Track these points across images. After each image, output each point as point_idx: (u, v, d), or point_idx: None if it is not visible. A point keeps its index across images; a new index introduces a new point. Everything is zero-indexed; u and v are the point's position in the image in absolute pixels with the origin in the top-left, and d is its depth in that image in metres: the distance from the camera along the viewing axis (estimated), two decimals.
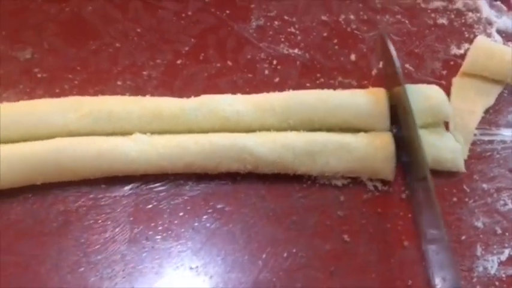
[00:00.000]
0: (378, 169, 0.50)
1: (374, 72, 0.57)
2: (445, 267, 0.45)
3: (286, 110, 0.50)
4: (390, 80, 0.53)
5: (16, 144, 0.47)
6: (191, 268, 0.47)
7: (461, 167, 0.52)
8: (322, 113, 0.51)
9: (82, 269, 0.47)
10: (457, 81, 0.57)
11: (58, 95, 0.52)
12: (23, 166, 0.46)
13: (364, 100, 0.51)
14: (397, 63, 0.51)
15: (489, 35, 0.61)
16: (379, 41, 0.57)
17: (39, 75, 0.54)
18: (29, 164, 0.46)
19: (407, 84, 0.51)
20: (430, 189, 0.46)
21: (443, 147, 0.51)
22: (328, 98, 0.51)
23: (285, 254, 0.48)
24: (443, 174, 0.52)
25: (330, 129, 0.51)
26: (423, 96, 0.52)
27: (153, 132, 0.49)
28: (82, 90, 0.53)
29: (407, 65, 0.58)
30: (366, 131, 0.51)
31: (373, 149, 0.49)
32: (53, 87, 0.54)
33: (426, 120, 0.51)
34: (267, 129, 0.50)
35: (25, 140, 0.48)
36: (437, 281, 0.46)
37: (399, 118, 0.51)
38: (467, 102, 0.55)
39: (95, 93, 0.53)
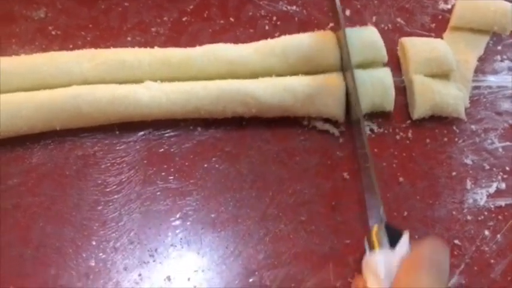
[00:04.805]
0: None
1: (368, 25, 0.58)
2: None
3: (284, 51, 0.51)
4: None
5: (36, 91, 0.48)
6: (202, 205, 0.49)
7: (462, 113, 0.53)
8: (315, 52, 0.52)
9: (101, 207, 0.48)
10: (447, 36, 0.58)
11: (72, 50, 0.53)
12: (43, 112, 0.47)
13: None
14: (339, 8, 0.53)
15: None
16: None
17: (53, 33, 0.55)
18: (48, 109, 0.47)
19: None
20: (362, 127, 0.48)
21: (447, 95, 0.52)
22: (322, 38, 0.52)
23: (290, 191, 0.50)
24: (434, 118, 0.54)
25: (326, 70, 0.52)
26: (429, 47, 0.53)
27: (163, 80, 0.50)
28: (94, 46, 0.53)
29: (398, 19, 0.59)
30: None
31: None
32: (67, 44, 0.54)
33: (431, 70, 0.53)
34: (269, 71, 0.51)
35: (44, 88, 0.48)
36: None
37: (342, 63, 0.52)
38: (460, 54, 0.56)
39: (106, 48, 0.53)
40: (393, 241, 0.41)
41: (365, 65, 0.51)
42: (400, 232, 0.42)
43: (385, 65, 0.53)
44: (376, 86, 0.50)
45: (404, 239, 0.41)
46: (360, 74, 0.50)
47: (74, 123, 0.49)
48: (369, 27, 0.55)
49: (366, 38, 0.52)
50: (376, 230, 0.43)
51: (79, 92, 0.48)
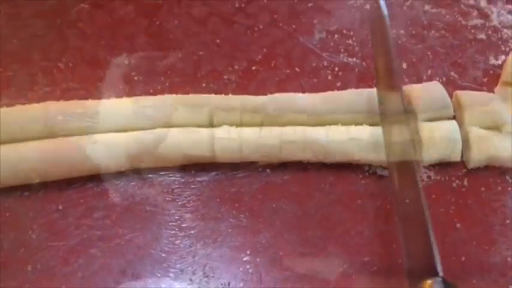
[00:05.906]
0: None
1: (424, 78, 0.62)
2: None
3: (349, 104, 0.55)
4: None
5: (123, 133, 0.52)
6: (271, 243, 0.51)
7: None
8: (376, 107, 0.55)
9: (178, 241, 0.51)
10: (498, 90, 0.61)
11: (153, 95, 0.57)
12: (131, 152, 0.51)
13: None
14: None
15: None
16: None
17: (135, 78, 0.59)
18: (136, 150, 0.51)
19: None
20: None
21: (501, 146, 0.55)
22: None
23: (353, 232, 0.52)
24: (489, 167, 0.56)
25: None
26: (483, 101, 0.56)
27: (237, 125, 0.54)
28: (172, 91, 0.58)
29: (452, 73, 0.63)
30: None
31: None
32: (148, 88, 0.59)
33: (486, 123, 0.56)
34: (334, 120, 0.55)
35: (130, 130, 0.52)
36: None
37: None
38: (511, 107, 0.59)
39: (184, 94, 0.57)
40: None
41: (433, 119, 0.55)
42: (455, 286, 0.42)
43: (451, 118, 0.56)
44: (444, 138, 0.52)
45: None
46: (429, 127, 0.53)
47: (156, 163, 0.52)
48: (434, 83, 0.58)
49: (434, 94, 0.55)
50: (430, 284, 0.42)
51: (164, 134, 0.52)
